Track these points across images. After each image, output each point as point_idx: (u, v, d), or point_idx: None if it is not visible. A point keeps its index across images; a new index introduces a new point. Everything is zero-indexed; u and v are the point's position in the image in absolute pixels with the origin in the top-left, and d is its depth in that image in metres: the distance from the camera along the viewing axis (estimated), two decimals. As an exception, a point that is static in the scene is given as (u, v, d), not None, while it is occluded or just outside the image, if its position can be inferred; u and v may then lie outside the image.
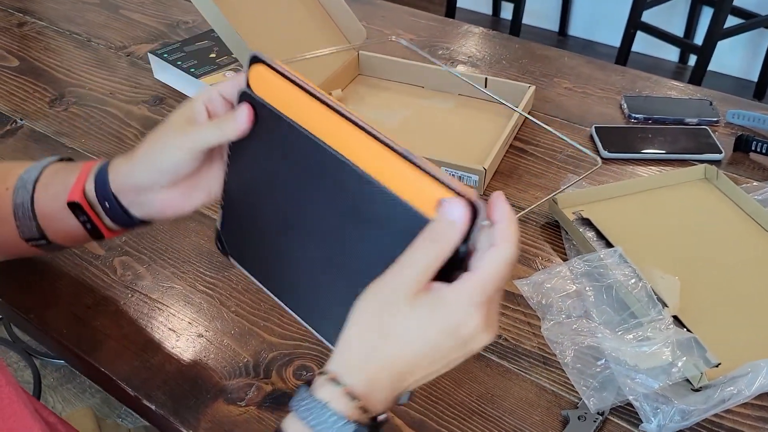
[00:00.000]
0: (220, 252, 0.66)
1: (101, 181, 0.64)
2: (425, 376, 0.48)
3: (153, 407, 0.68)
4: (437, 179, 0.46)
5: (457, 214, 0.45)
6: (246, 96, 0.57)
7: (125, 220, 0.65)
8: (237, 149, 0.60)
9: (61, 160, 0.71)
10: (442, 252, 0.45)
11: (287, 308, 0.61)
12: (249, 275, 0.64)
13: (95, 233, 0.67)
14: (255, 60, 0.56)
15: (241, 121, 0.56)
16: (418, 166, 0.46)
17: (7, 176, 0.69)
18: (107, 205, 0.64)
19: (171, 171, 0.60)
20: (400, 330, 0.46)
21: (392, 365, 0.47)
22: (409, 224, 0.47)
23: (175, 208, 0.64)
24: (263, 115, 0.57)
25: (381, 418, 0.47)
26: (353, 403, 0.45)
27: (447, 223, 0.45)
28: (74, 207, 0.65)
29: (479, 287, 0.45)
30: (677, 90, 1.16)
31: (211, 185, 0.63)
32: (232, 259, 0.66)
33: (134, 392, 0.69)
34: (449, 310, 0.45)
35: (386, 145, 0.48)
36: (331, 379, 0.46)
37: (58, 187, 0.66)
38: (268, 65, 0.55)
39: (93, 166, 0.66)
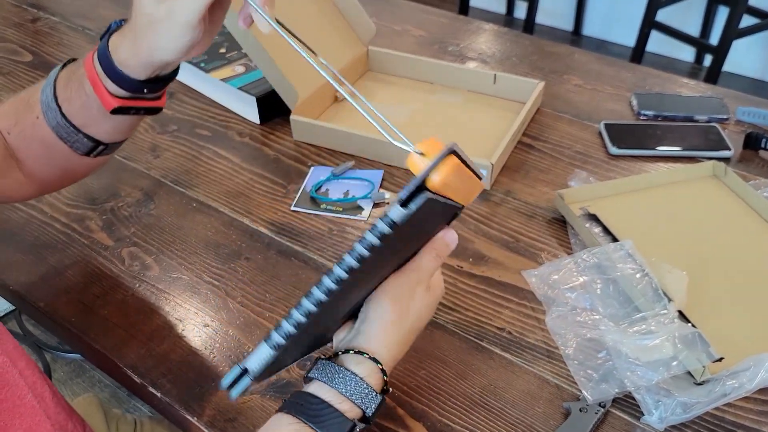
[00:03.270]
0: (230, 392, 0.52)
1: (121, 77, 0.63)
2: None
3: (158, 394, 0.68)
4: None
5: (452, 238, 0.61)
6: (428, 201, 0.49)
7: (162, 84, 0.66)
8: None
9: (64, 66, 0.69)
10: (442, 261, 0.62)
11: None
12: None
13: (153, 111, 0.69)
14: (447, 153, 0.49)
15: None
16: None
17: (31, 105, 0.68)
18: (145, 90, 0.65)
19: (182, 52, 0.61)
20: (418, 312, 0.59)
21: (407, 341, 0.60)
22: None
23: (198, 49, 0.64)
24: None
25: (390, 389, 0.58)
26: (383, 378, 0.56)
27: (446, 244, 0.61)
28: (120, 111, 0.65)
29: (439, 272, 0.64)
30: (688, 87, 1.16)
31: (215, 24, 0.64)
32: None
33: (140, 379, 0.70)
34: (438, 292, 0.63)
35: None
36: (372, 358, 0.55)
37: (81, 98, 0.65)
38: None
39: (95, 64, 0.64)
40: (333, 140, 1.00)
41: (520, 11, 3.39)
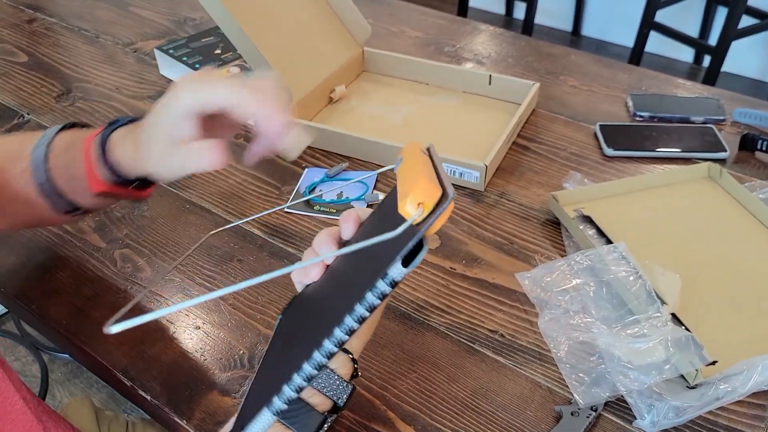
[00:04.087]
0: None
1: (113, 172, 0.65)
2: None
3: (148, 397, 0.68)
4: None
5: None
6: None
7: (153, 184, 0.68)
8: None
9: (62, 128, 0.70)
10: None
11: None
12: None
13: (134, 198, 0.70)
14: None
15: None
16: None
17: (20, 157, 0.69)
18: (136, 184, 0.67)
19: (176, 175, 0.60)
20: None
21: (374, 322, 0.60)
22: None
23: None
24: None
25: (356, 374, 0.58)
26: (353, 365, 0.56)
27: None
28: (103, 194, 0.67)
29: None
30: (684, 88, 1.15)
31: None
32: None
33: (130, 382, 0.69)
34: None
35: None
36: (344, 349, 0.55)
37: (70, 171, 0.67)
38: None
39: (92, 149, 0.65)
40: (327, 142, 0.99)
41: (519, 12, 3.39)
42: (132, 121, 0.66)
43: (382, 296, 0.47)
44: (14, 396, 0.55)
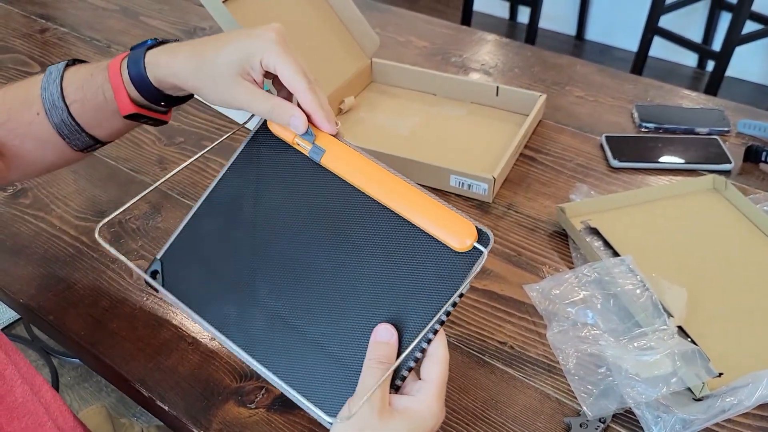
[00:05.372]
0: (146, 282, 0.65)
1: (147, 88, 0.67)
2: None
3: (166, 408, 0.70)
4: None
5: (387, 335, 0.54)
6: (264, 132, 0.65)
7: (179, 102, 0.71)
8: (234, 180, 0.66)
9: (67, 65, 0.70)
10: (388, 368, 0.53)
11: (240, 351, 0.58)
12: (186, 308, 0.62)
13: (159, 123, 0.73)
14: None
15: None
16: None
17: (29, 102, 0.69)
18: (163, 104, 0.69)
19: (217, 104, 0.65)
20: None
21: None
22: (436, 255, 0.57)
23: None
24: (278, 149, 0.64)
25: None
26: None
27: (386, 344, 0.54)
28: (132, 117, 0.69)
29: (439, 392, 0.54)
30: (689, 99, 1.17)
31: None
32: (164, 291, 0.63)
33: (148, 393, 0.71)
34: (424, 421, 0.53)
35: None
36: None
37: (97, 100, 0.68)
38: None
39: (122, 71, 0.67)
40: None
41: (524, 16, 3.40)
42: (161, 42, 0.67)
43: (454, 305, 0.55)
44: (44, 417, 0.57)
